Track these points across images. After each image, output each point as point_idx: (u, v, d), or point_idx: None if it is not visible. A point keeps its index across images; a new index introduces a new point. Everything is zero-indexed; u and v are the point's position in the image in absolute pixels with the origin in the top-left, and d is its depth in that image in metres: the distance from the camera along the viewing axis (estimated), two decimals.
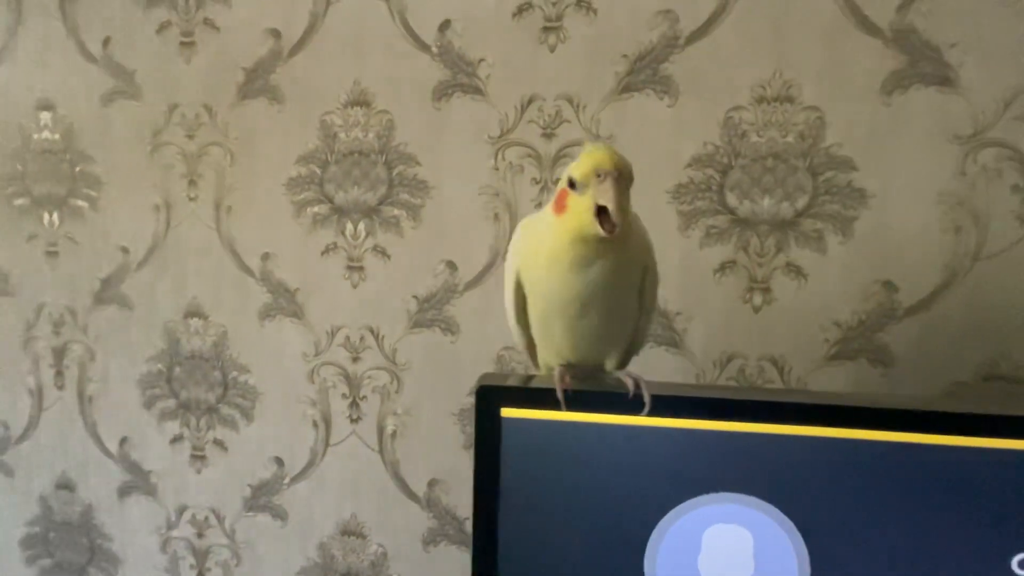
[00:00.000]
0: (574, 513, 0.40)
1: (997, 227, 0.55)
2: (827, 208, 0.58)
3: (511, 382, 0.43)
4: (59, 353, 0.80)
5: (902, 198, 0.57)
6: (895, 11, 0.55)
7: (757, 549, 0.38)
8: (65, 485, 0.81)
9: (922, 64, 0.55)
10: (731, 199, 0.60)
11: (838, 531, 0.37)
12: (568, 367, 0.42)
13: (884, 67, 0.56)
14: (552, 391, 0.40)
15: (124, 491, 0.79)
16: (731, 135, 0.59)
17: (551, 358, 0.44)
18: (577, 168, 0.37)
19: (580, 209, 0.37)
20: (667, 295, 0.62)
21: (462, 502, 0.68)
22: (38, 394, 0.81)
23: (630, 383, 0.39)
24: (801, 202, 0.59)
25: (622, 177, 0.36)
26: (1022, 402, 0.55)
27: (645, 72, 0.61)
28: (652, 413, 0.39)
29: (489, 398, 0.41)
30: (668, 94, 0.60)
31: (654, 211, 0.61)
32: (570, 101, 0.63)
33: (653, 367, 0.63)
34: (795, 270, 0.59)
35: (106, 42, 0.75)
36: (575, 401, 0.40)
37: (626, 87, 0.61)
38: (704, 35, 0.59)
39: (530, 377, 0.45)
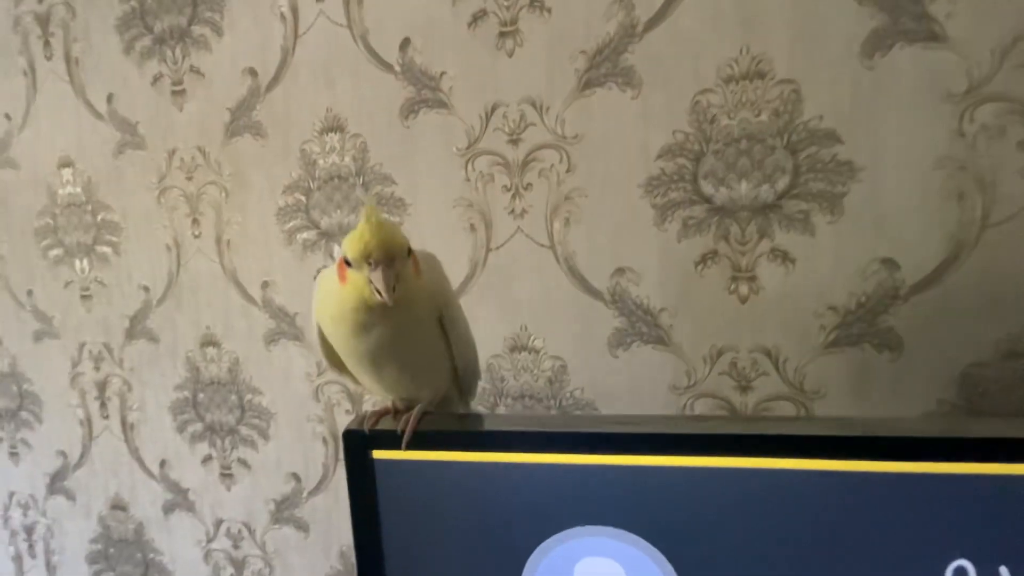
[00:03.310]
0: (449, 552, 0.40)
1: (1005, 189, 0.50)
2: (811, 187, 0.55)
3: (383, 424, 0.44)
4: (101, 386, 0.88)
5: (896, 168, 0.52)
6: None
7: None
8: (119, 505, 0.89)
9: (903, 20, 0.50)
10: (706, 187, 0.57)
11: (709, 560, 0.36)
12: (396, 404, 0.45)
13: (862, 27, 0.52)
14: (417, 432, 0.41)
15: (168, 508, 0.86)
16: (700, 120, 0.57)
17: (381, 395, 0.46)
18: (349, 249, 0.38)
19: (358, 283, 0.38)
20: (649, 292, 0.60)
21: None
22: (88, 424, 0.89)
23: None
24: (782, 183, 0.55)
25: (395, 260, 0.37)
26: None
27: (605, 65, 0.59)
28: (506, 448, 0.38)
29: (356, 442, 0.42)
30: (631, 85, 0.58)
31: (627, 207, 0.60)
32: (533, 104, 0.62)
33: (642, 367, 0.61)
34: (781, 255, 0.56)
35: (110, 99, 0.81)
36: (423, 440, 0.41)
37: (587, 83, 0.60)
38: (663, 19, 0.57)
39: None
